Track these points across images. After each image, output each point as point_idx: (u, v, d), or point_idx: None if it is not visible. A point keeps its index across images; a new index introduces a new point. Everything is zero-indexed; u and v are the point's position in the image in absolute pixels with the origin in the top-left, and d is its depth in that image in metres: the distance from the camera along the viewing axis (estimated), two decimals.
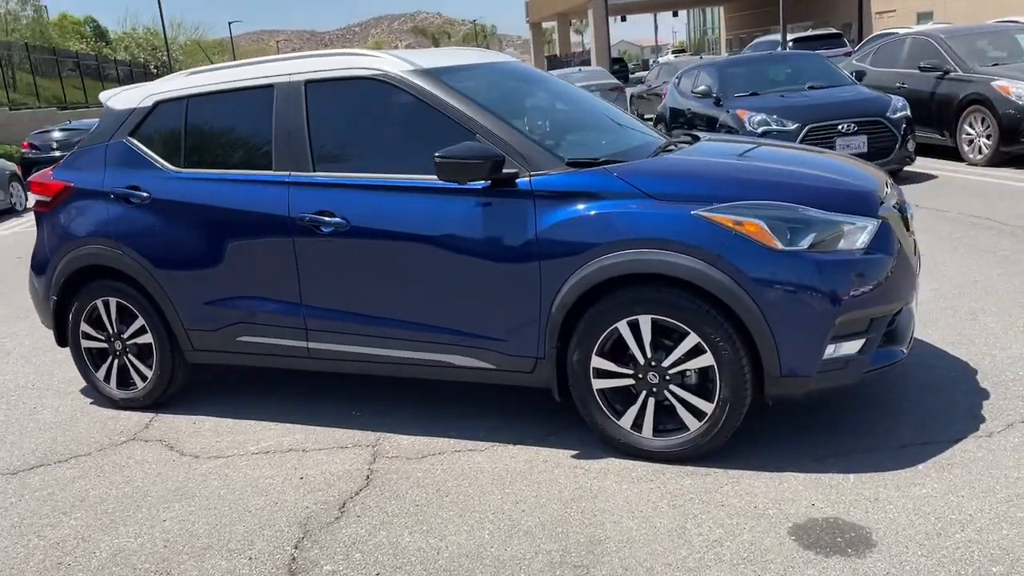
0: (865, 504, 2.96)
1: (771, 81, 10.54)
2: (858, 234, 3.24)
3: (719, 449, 3.36)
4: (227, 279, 4.05)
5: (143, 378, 4.44)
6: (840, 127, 8.92)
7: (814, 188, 3.36)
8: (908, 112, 9.24)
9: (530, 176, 3.44)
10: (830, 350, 3.17)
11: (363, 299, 3.79)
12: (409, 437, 3.86)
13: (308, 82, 3.92)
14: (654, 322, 3.27)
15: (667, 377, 3.31)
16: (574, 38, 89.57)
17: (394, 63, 3.79)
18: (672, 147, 3.99)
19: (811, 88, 9.97)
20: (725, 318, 3.18)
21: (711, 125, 10.18)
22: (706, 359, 3.23)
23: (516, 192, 3.45)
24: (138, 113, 4.36)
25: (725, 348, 3.17)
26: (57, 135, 19.60)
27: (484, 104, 3.64)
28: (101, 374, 4.54)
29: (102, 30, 69.54)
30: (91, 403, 4.66)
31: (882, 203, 3.38)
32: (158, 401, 4.45)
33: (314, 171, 3.85)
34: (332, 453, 3.77)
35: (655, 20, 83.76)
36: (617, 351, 3.39)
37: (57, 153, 18.06)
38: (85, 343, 4.53)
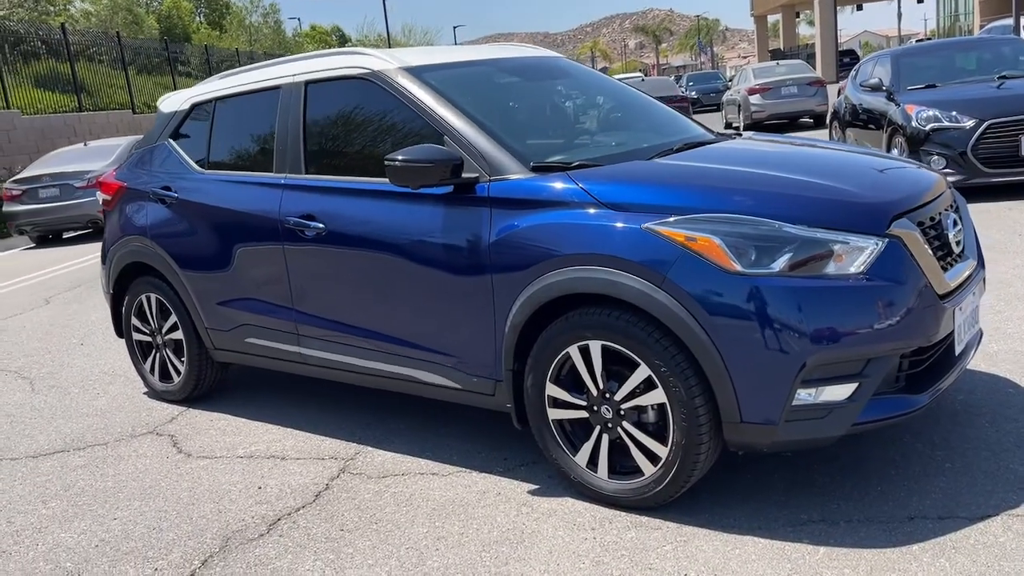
0: None
1: (958, 71, 9.27)
2: (855, 255, 2.64)
3: (686, 498, 2.90)
4: (234, 280, 4.07)
5: (178, 373, 4.58)
6: None
7: (803, 199, 2.78)
8: None
9: (489, 181, 3.14)
10: (806, 395, 2.61)
11: (341, 307, 3.66)
12: (386, 453, 3.67)
13: (308, 83, 3.85)
14: (606, 349, 2.87)
15: (620, 412, 2.89)
16: (807, 30, 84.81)
17: (382, 61, 3.61)
18: (691, 148, 3.51)
19: (1002, 78, 8.62)
20: (677, 350, 2.71)
21: (882, 122, 9.11)
22: (658, 395, 2.78)
23: (474, 198, 3.16)
24: (178, 116, 4.50)
25: (675, 384, 2.71)
26: None
27: (459, 103, 3.37)
28: (148, 366, 4.75)
29: (346, 38, 75.51)
30: (143, 393, 4.88)
31: (897, 218, 2.75)
32: (192, 396, 4.58)
33: (306, 173, 3.77)
34: (306, 464, 3.67)
35: (899, 7, 77.32)
36: (574, 379, 3.01)
37: None
38: (136, 336, 4.75)
